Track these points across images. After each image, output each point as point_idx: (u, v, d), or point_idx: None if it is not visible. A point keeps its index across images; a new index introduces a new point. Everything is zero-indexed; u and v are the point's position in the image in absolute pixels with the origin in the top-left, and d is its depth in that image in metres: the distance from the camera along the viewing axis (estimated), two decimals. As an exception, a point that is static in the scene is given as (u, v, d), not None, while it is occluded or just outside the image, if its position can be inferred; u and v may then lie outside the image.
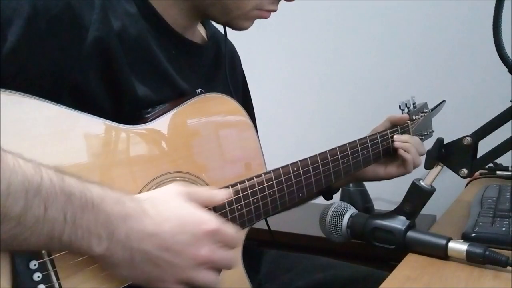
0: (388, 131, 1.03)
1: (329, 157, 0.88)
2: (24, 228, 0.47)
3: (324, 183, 0.88)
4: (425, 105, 1.15)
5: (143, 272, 0.57)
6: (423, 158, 1.00)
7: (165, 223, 0.57)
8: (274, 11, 0.80)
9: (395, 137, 1.03)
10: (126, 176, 0.62)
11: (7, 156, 0.47)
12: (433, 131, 1.17)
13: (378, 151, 1.00)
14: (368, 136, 0.99)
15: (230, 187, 0.72)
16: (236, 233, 0.63)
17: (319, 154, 0.87)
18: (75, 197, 0.50)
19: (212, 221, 0.60)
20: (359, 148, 0.95)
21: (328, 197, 1.08)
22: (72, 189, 0.50)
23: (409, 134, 1.08)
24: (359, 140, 0.96)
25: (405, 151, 1.01)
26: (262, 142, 0.83)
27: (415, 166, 1.02)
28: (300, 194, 0.83)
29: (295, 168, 0.81)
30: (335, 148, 0.90)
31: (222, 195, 0.67)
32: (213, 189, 0.68)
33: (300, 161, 0.83)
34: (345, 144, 0.93)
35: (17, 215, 0.46)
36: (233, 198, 0.72)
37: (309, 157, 0.85)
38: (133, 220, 0.55)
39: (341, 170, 0.91)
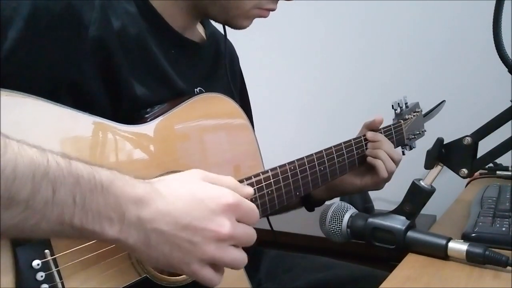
0: (382, 130, 1.02)
1: (325, 156, 0.88)
2: (33, 212, 0.46)
3: (321, 182, 0.88)
4: (417, 104, 1.16)
5: (164, 255, 0.54)
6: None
7: (179, 200, 0.54)
8: (273, 10, 0.80)
9: (369, 144, 0.98)
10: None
11: (11, 142, 0.46)
12: (425, 131, 1.18)
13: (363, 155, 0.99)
14: (363, 136, 0.99)
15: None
16: (256, 208, 0.60)
17: (315, 153, 0.87)
18: (83, 179, 0.49)
19: (229, 194, 0.57)
20: (354, 147, 0.96)
21: (310, 209, 1.05)
22: (80, 172, 0.49)
23: (403, 133, 1.08)
24: (353, 139, 0.97)
25: (373, 157, 0.96)
26: (260, 141, 0.83)
27: (389, 172, 0.95)
28: (298, 193, 0.83)
29: (292, 167, 0.82)
30: (331, 147, 0.91)
31: (248, 190, 0.63)
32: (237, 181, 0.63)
33: (297, 160, 0.83)
34: (340, 143, 0.93)
35: (25, 199, 0.45)
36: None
37: (306, 156, 0.85)
38: (144, 201, 0.52)
39: (336, 169, 0.91)
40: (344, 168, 0.94)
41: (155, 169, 0.66)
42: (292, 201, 0.84)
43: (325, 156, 0.89)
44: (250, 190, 0.63)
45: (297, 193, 0.83)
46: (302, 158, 0.84)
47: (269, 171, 0.78)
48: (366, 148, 0.98)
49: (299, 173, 0.83)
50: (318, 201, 1.04)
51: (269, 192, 0.77)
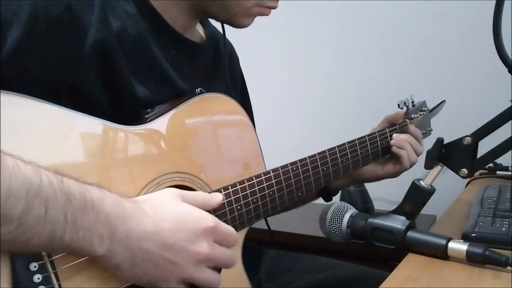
0: (387, 129, 1.03)
1: (328, 156, 0.88)
2: (25, 229, 0.47)
3: (324, 182, 0.88)
4: (423, 103, 1.15)
5: (146, 273, 0.57)
6: (421, 157, 1.00)
7: (165, 222, 0.57)
8: (274, 7, 0.80)
9: (394, 135, 1.03)
10: (125, 176, 0.62)
11: (6, 158, 0.47)
12: (431, 130, 1.17)
13: (377, 150, 1.00)
14: (367, 135, 0.99)
15: (229, 187, 0.72)
16: (234, 232, 0.64)
17: (318, 153, 0.87)
18: (74, 197, 0.50)
19: (209, 218, 0.61)
20: (358, 147, 0.95)
21: (328, 198, 1.08)
22: (71, 190, 0.50)
23: (408, 133, 1.08)
24: (358, 139, 0.96)
25: (399, 148, 1.01)
26: (261, 141, 0.83)
27: (411, 163, 1.02)
28: (299, 194, 0.83)
29: (294, 168, 0.81)
30: (334, 147, 0.90)
31: (217, 199, 0.68)
32: (207, 193, 0.69)
33: (299, 160, 0.83)
34: (344, 143, 0.93)
35: (18, 216, 0.46)
36: (232, 198, 0.72)
37: (308, 157, 0.85)
38: (133, 220, 0.55)
39: (340, 169, 0.91)
40: (367, 159, 0.96)
41: (157, 169, 0.66)
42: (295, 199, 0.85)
43: (328, 156, 0.88)
44: (219, 197, 0.68)
45: (299, 194, 0.83)
46: (304, 159, 0.84)
47: (271, 171, 0.78)
48: (375, 145, 1.00)
49: (301, 173, 0.83)
50: (335, 189, 1.08)
51: (271, 192, 0.77)
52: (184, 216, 0.59)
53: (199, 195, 0.67)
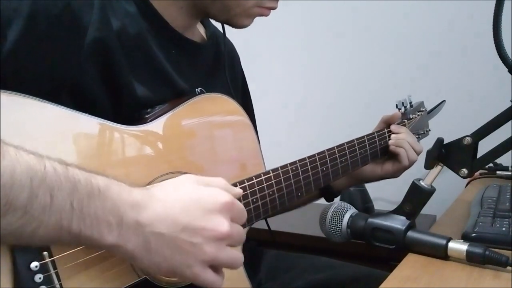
0: (385, 130, 1.04)
1: (327, 157, 0.88)
2: (31, 218, 0.46)
3: (323, 182, 0.88)
4: (421, 103, 1.16)
5: (165, 259, 0.53)
6: (421, 156, 1.00)
7: (176, 203, 0.55)
8: (274, 8, 0.80)
9: (392, 135, 1.03)
10: (127, 176, 0.62)
11: (8, 148, 0.46)
12: (429, 130, 1.18)
13: (376, 150, 1.00)
14: (366, 135, 0.99)
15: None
16: (245, 210, 0.61)
17: (317, 153, 0.87)
18: (80, 184, 0.49)
19: (225, 193, 0.58)
20: (357, 147, 0.95)
21: (330, 198, 1.08)
22: (77, 177, 0.49)
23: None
24: (357, 139, 0.96)
25: (397, 146, 1.01)
26: (261, 141, 0.83)
27: (410, 160, 1.01)
28: (299, 194, 0.83)
29: (293, 168, 0.82)
30: (334, 147, 0.91)
31: (239, 190, 0.65)
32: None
33: (298, 160, 0.83)
34: (343, 144, 0.93)
35: (23, 205, 0.45)
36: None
37: (308, 157, 0.85)
38: (142, 205, 0.53)
39: (339, 169, 0.91)
40: (366, 159, 0.96)
41: (158, 169, 0.66)
42: (304, 197, 0.85)
43: (327, 157, 0.89)
44: (239, 190, 0.65)
45: (299, 194, 0.83)
46: (304, 159, 0.84)
47: (271, 171, 0.78)
48: (374, 146, 1.00)
49: (300, 173, 0.83)
50: (337, 190, 1.08)
51: (270, 192, 0.77)
52: (196, 195, 0.56)
53: (220, 181, 0.61)
